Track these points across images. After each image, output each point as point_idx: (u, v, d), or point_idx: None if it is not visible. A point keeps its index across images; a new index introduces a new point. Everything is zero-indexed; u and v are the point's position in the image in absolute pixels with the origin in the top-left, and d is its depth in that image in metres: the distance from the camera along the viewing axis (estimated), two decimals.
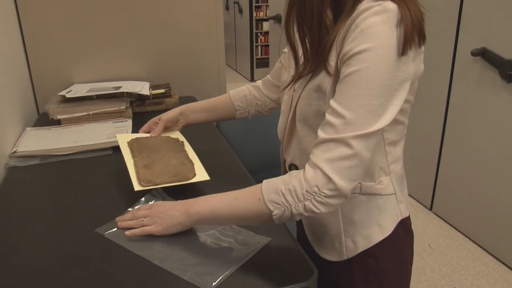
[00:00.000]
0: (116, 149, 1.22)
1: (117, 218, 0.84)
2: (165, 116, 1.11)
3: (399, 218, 0.83)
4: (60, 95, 1.51)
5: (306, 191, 0.66)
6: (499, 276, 2.05)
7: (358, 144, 0.64)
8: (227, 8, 6.78)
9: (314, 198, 0.66)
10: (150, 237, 0.79)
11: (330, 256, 0.85)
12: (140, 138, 1.09)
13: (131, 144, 1.06)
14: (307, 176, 0.66)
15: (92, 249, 0.77)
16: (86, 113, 1.44)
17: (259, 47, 6.23)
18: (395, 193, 0.82)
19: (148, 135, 1.12)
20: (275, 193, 0.68)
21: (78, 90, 1.56)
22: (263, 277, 0.69)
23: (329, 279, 0.88)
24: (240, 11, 6.15)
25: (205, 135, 1.26)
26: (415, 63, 0.70)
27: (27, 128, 1.40)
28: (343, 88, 0.66)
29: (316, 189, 0.65)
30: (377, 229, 0.81)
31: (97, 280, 0.69)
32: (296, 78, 0.80)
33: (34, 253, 0.77)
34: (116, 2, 1.68)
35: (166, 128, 1.13)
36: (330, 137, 0.66)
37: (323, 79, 0.74)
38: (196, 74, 1.90)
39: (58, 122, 1.42)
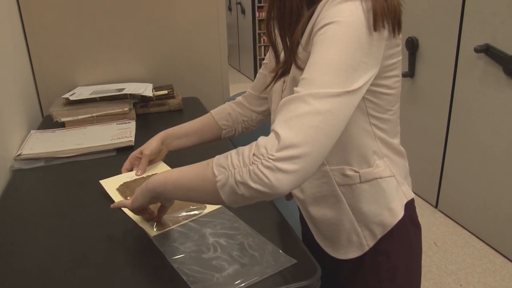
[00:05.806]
0: (120, 150, 1.22)
1: None
2: (147, 150, 1.03)
3: (405, 200, 0.82)
4: (64, 97, 1.52)
5: (253, 154, 0.58)
6: (506, 273, 2.04)
7: (317, 102, 0.58)
8: (229, 8, 6.78)
9: (261, 162, 0.57)
10: (178, 242, 0.79)
11: (351, 254, 0.83)
12: (128, 182, 1.00)
13: (122, 192, 0.97)
14: (259, 140, 0.60)
15: (98, 250, 0.78)
16: (89, 115, 1.44)
17: (262, 47, 6.22)
18: (393, 175, 0.81)
19: (133, 174, 1.03)
20: (224, 157, 0.63)
21: (82, 92, 1.57)
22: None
23: (341, 282, 0.88)
24: (243, 11, 6.15)
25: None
26: (391, 50, 0.70)
27: (32, 131, 1.41)
28: (310, 58, 0.64)
29: (264, 151, 0.57)
30: (388, 214, 0.80)
31: (102, 281, 0.70)
32: (276, 76, 0.79)
33: (40, 253, 0.78)
34: (119, 5, 1.69)
35: (150, 161, 1.06)
36: (288, 98, 0.61)
37: (296, 72, 0.73)
38: (199, 75, 1.90)
39: (62, 125, 1.43)
